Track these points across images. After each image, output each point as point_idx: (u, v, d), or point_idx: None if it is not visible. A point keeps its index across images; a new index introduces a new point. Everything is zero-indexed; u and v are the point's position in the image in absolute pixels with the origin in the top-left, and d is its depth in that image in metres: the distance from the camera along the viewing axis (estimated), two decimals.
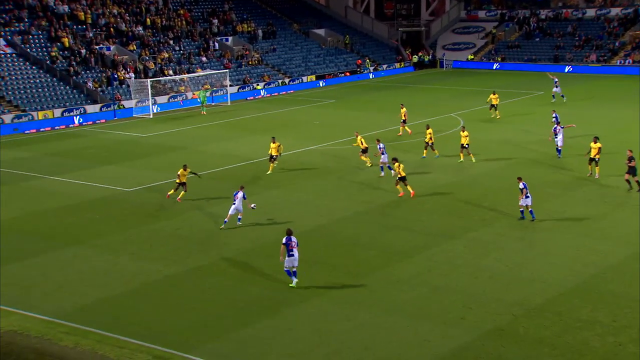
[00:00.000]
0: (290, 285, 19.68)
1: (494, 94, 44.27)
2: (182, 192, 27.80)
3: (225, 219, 24.83)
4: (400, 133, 39.34)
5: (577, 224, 24.23)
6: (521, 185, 24.38)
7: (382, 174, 30.86)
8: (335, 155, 35.34)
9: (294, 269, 19.70)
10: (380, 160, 30.88)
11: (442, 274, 20.25)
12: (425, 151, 33.84)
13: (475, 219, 25.02)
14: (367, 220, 25.45)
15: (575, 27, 73.45)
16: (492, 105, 43.91)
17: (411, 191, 27.68)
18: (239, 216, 25.15)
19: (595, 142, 29.55)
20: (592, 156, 29.49)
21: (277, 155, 32.19)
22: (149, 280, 20.47)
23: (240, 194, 24.87)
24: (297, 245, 19.68)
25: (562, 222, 24.43)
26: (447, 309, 18.03)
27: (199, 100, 51.48)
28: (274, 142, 32.17)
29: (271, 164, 32.21)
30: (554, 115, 37.00)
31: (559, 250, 21.92)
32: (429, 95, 52.62)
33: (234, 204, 24.79)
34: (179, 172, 27.78)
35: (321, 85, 64.37)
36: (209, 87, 54.88)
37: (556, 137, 33.28)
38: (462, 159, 32.96)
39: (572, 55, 69.23)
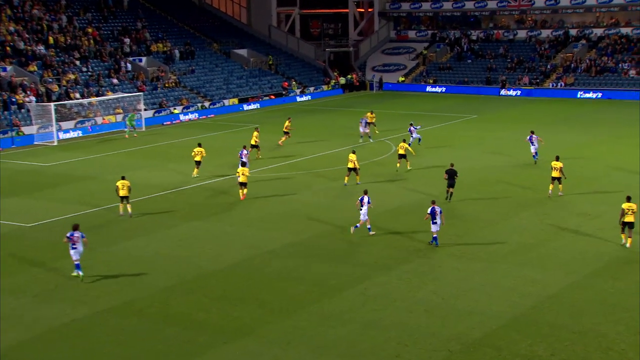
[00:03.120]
0: (72, 274, 22.94)
1: (372, 113, 48.64)
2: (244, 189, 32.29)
3: (357, 224, 26.66)
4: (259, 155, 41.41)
5: (515, 253, 24.96)
6: (429, 210, 25.25)
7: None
8: (260, 183, 35.31)
9: (77, 262, 22.94)
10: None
11: (376, 309, 20.43)
12: (347, 177, 34.62)
13: (410, 250, 25.43)
14: (297, 252, 25.48)
15: (506, 49, 76.42)
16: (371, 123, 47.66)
17: (242, 196, 32.18)
18: (368, 225, 26.77)
19: (557, 161, 31.30)
20: (553, 175, 31.14)
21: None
22: (55, 324, 19.80)
23: (365, 199, 26.48)
24: (82, 238, 23.03)
25: (499, 251, 25.12)
26: (381, 346, 18.17)
27: (126, 123, 50.95)
28: (257, 131, 40.72)
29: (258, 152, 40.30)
30: (410, 128, 42.94)
31: (497, 280, 22.49)
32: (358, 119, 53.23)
33: (361, 209, 26.47)
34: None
35: (245, 108, 64.48)
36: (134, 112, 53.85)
37: (532, 146, 37.87)
38: (404, 167, 37.10)
39: (504, 77, 71.89)
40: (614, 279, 22.31)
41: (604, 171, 36.45)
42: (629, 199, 25.39)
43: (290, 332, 19.11)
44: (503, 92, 69.72)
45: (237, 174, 32.63)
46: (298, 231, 27.76)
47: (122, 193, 29.64)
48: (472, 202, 31.29)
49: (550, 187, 31.48)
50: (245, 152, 36.21)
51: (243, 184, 32.21)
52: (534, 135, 38.19)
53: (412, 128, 43.20)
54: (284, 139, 44.87)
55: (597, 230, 26.98)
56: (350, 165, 34.22)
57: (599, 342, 18.13)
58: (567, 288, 21.70)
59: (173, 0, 79.17)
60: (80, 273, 23.00)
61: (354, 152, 34.80)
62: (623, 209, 24.95)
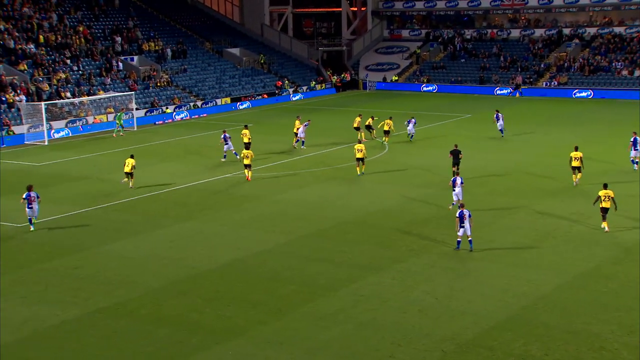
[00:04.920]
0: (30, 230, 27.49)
1: (359, 116, 45.81)
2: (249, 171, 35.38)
3: (453, 203, 28.96)
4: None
5: (508, 253, 25.00)
6: (457, 214, 24.90)
7: (238, 156, 38.60)
8: (251, 183, 35.29)
9: (30, 218, 27.57)
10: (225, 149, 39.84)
11: (369, 309, 20.42)
12: (358, 169, 36.26)
13: (402, 249, 25.43)
14: (288, 252, 25.45)
15: (500, 48, 76.57)
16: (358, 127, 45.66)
17: (248, 177, 35.27)
18: (452, 202, 29.12)
19: (576, 151, 32.80)
20: (574, 165, 32.68)
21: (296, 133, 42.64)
22: (43, 326, 19.70)
23: (458, 180, 28.86)
24: (37, 198, 27.48)
25: (492, 251, 25.14)
26: (375, 347, 18.16)
27: (116, 122, 51.30)
28: (298, 119, 43.74)
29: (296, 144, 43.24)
30: (410, 120, 45.85)
31: (490, 280, 22.52)
32: (352, 118, 53.47)
33: (454, 190, 28.75)
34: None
35: (238, 108, 64.43)
36: (124, 109, 54.12)
37: (498, 122, 45.83)
38: (385, 141, 43.76)
39: (498, 77, 72.02)
40: (606, 279, 22.37)
41: (597, 170, 36.53)
42: (605, 186, 26.81)
43: (283, 332, 19.09)
44: (517, 93, 69.46)
45: (242, 155, 35.62)
46: (290, 231, 27.73)
47: (125, 169, 33.92)
48: (466, 202, 31.26)
49: (574, 177, 33.02)
50: (227, 135, 39.98)
51: (247, 166, 35.17)
52: (499, 114, 45.73)
53: (411, 120, 45.82)
54: (386, 137, 44.22)
55: (590, 229, 27.05)
56: (359, 155, 35.75)
57: (592, 342, 18.17)
58: (560, 288, 21.73)
59: None
60: (32, 228, 27.75)
61: (360, 142, 36.88)
62: (599, 196, 26.56)
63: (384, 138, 43.92)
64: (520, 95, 68.84)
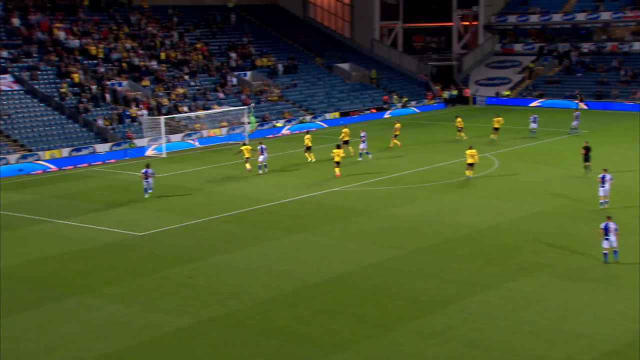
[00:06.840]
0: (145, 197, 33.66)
1: (458, 118, 52.47)
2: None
3: (600, 201, 31.21)
4: (391, 145, 48.78)
5: (629, 274, 23.84)
6: (602, 226, 24.38)
7: (260, 172, 41.40)
8: (362, 197, 35.39)
9: (146, 189, 35.24)
10: (260, 159, 41.40)
11: (478, 328, 20.00)
12: (467, 172, 37.98)
13: (513, 268, 24.78)
14: (396, 267, 25.33)
15: (621, 62, 73.42)
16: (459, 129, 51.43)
17: (337, 173, 39.06)
18: (605, 200, 31.10)
19: None
20: None
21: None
22: (159, 332, 20.46)
23: (608, 177, 30.80)
24: (153, 174, 34.96)
25: (611, 272, 24.06)
26: None
27: (249, 123, 55.61)
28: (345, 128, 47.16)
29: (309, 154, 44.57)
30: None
31: (607, 303, 21.56)
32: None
33: (603, 186, 30.86)
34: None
35: (347, 122, 64.81)
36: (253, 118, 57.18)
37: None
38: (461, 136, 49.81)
39: (618, 92, 69.04)
40: None
41: None
42: None
43: (389, 348, 18.99)
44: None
45: (332, 154, 39.60)
46: (399, 246, 27.60)
47: (246, 155, 40.62)
48: (585, 220, 30.12)
49: None
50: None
51: (337, 163, 39.05)
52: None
53: (533, 116, 53.11)
54: (461, 133, 51.16)
55: None
56: (471, 160, 37.61)
57: None
58: None
59: (278, 16, 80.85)
60: (146, 195, 35.71)
61: (471, 148, 38.15)
62: None
63: (460, 134, 50.37)
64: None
